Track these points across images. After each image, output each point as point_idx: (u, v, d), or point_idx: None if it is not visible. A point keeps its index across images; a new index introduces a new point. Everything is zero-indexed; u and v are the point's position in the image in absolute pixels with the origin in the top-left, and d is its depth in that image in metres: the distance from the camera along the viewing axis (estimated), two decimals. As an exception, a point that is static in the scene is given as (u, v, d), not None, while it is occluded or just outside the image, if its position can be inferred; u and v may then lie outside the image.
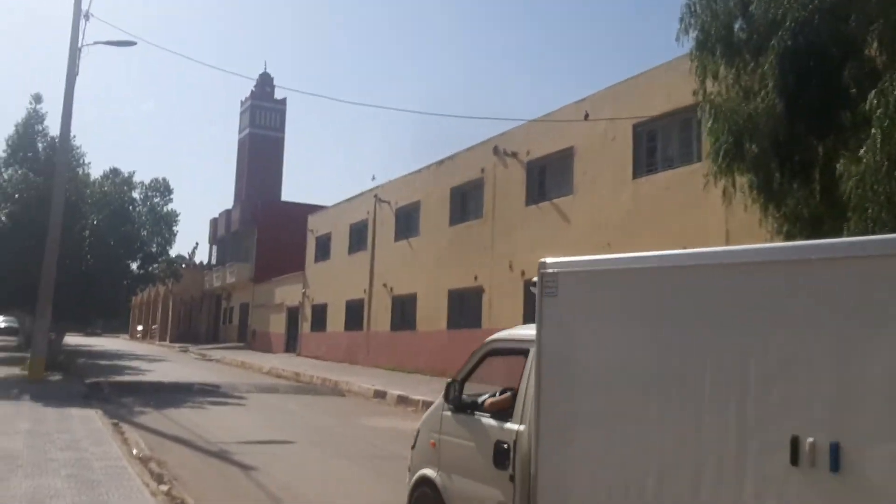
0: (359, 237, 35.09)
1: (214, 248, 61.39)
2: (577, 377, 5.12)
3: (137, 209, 22.10)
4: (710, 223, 16.37)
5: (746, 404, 3.93)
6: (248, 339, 50.01)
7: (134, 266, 21.65)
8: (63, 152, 18.84)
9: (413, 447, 6.65)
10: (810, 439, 3.63)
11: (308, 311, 39.82)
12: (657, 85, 18.38)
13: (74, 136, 20.33)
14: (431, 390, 20.33)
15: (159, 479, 8.30)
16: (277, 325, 45.08)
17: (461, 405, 6.22)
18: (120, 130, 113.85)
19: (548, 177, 22.50)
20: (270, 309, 46.34)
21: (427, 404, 18.20)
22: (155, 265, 21.85)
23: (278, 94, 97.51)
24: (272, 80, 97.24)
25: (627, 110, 19.08)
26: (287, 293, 43.66)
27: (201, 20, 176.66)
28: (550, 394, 5.17)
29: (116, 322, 67.61)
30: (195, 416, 15.09)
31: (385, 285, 31.07)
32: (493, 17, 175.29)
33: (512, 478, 5.37)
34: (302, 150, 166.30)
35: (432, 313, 27.35)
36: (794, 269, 3.98)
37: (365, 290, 32.97)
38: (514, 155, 23.41)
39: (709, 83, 11.48)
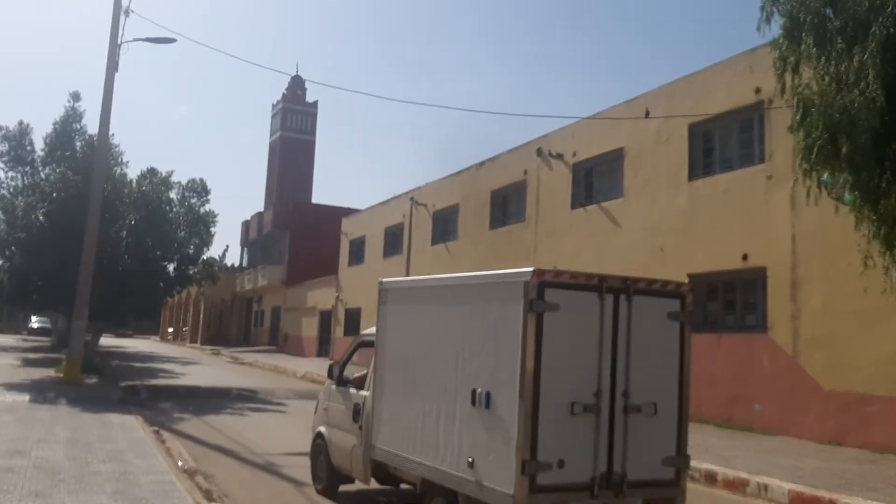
0: (394, 241, 34.52)
1: (246, 250, 61.26)
2: (390, 358, 7.74)
3: (175, 210, 21.71)
4: (774, 226, 15.54)
5: (457, 372, 6.61)
6: (280, 342, 49.70)
7: (171, 267, 21.28)
8: (101, 150, 18.44)
9: (315, 412, 9.69)
10: (479, 390, 6.26)
11: (341, 315, 39.32)
12: (715, 83, 17.57)
13: (113, 135, 20.01)
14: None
15: (209, 496, 7.71)
16: (310, 328, 44.67)
17: (340, 381, 9.08)
18: (152, 133, 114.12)
19: (595, 179, 21.72)
20: (302, 312, 45.94)
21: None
22: (192, 267, 21.45)
23: (311, 96, 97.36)
24: (304, 82, 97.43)
25: (682, 110, 18.27)
26: (320, 297, 43.23)
27: (232, 22, 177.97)
28: (380, 370, 7.81)
29: (147, 323, 67.73)
30: (236, 423, 14.56)
31: (422, 290, 30.43)
32: (533, 21, 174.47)
33: (360, 427, 8.08)
34: (332, 153, 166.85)
35: (471, 319, 26.65)
36: (465, 291, 6.92)
37: (400, 295, 32.35)
38: (560, 157, 22.66)
39: (788, 76, 10.63)
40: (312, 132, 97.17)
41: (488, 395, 6.17)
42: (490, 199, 26.45)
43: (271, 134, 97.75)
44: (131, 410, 14.47)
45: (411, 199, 32.18)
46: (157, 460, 8.88)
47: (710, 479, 10.58)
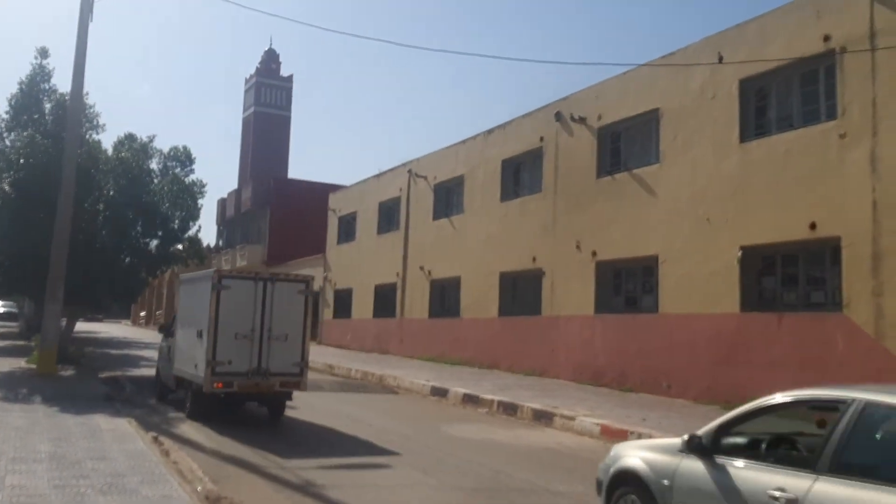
0: (389, 216, 32.38)
1: (223, 230, 58.63)
2: (180, 318, 14.12)
3: (157, 180, 19.31)
4: (850, 191, 13.74)
5: (195, 322, 12.83)
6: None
7: (154, 244, 18.89)
8: (75, 111, 16.04)
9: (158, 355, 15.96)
10: (200, 329, 12.40)
11: (330, 297, 37.18)
12: (772, 32, 15.68)
13: (87, 94, 17.57)
14: (497, 387, 17.78)
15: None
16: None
17: (166, 333, 15.39)
18: (116, 115, 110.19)
19: (624, 144, 19.79)
20: (286, 293, 43.63)
21: (502, 406, 15.68)
22: (178, 243, 19.11)
23: (286, 70, 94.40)
24: (278, 56, 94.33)
25: (732, 63, 16.38)
26: (305, 277, 40.97)
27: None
28: (177, 325, 14.12)
29: (117, 306, 64.83)
30: (243, 422, 12.49)
31: (422, 268, 28.40)
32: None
33: (170, 358, 14.17)
34: (309, 128, 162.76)
35: (480, 299, 24.72)
36: (198, 279, 13.54)
37: (398, 274, 30.31)
38: (583, 120, 20.68)
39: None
40: (288, 107, 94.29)
41: (201, 331, 12.22)
42: (501, 168, 24.42)
43: (244, 109, 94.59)
44: (119, 410, 12.35)
45: (409, 170, 30.04)
46: (170, 487, 6.81)
47: None
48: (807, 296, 14.92)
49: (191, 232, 19.07)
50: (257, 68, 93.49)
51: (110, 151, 19.19)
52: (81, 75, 15.90)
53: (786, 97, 15.75)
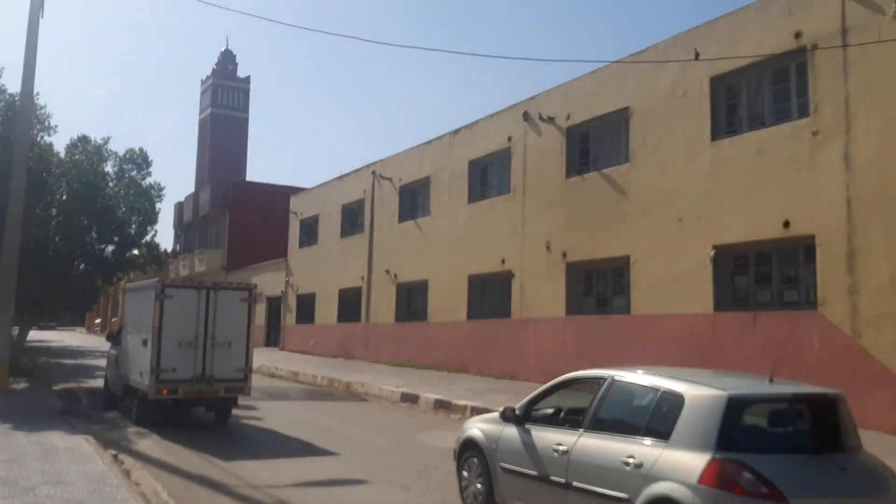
0: (353, 219, 31.83)
1: (181, 235, 57.36)
2: (127, 326, 14.55)
3: (111, 185, 18.47)
4: (824, 188, 13.67)
5: (140, 330, 13.21)
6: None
7: (110, 250, 18.04)
8: (25, 111, 15.21)
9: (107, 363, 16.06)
10: (145, 337, 12.73)
11: (292, 301, 36.46)
12: (742, 30, 15.57)
13: (38, 94, 16.76)
14: (470, 391, 17.40)
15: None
16: (256, 317, 41.53)
17: (114, 341, 15.41)
18: (67, 120, 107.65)
19: (593, 144, 19.58)
20: (247, 299, 42.74)
21: (476, 411, 15.28)
22: (134, 249, 18.27)
23: (243, 71, 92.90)
24: (234, 57, 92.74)
25: (701, 61, 16.25)
26: (267, 281, 40.17)
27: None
28: (123, 333, 14.68)
29: (70, 314, 63.06)
30: (209, 436, 11.94)
31: (388, 272, 27.93)
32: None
33: (118, 366, 14.42)
34: (267, 131, 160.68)
35: (448, 302, 24.34)
36: (142, 288, 13.97)
37: (363, 278, 29.78)
38: (551, 120, 20.43)
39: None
40: (245, 109, 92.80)
41: (146, 340, 12.55)
42: (468, 169, 24.08)
43: (201, 111, 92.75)
44: (75, 426, 11.69)
45: (373, 172, 29.55)
46: (134, 513, 6.29)
47: None
48: (780, 295, 14.82)
49: (148, 237, 18.31)
50: (213, 69, 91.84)
51: (63, 154, 18.33)
52: (32, 74, 15.12)
53: (757, 95, 15.65)
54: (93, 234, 17.70)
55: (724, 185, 15.57)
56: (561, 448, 6.25)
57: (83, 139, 18.23)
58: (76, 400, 15.93)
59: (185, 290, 12.65)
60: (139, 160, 18.81)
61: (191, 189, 74.20)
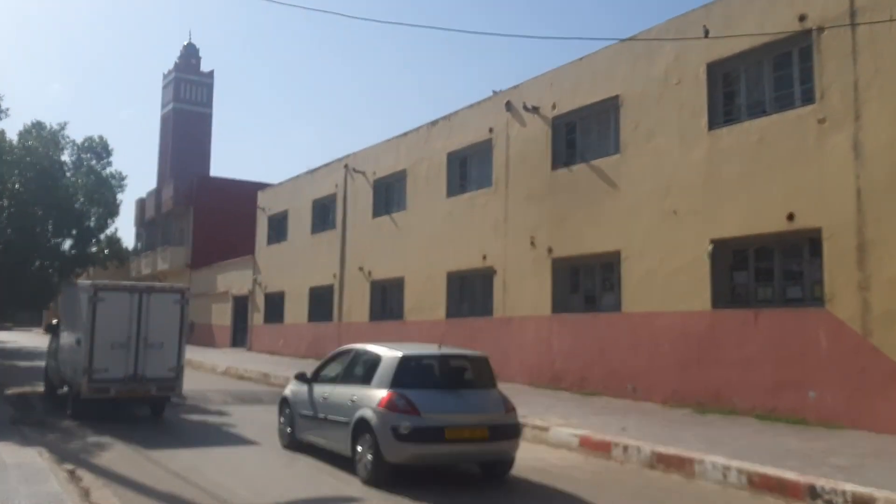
0: (324, 214, 30.71)
1: (143, 232, 55.56)
2: (63, 322, 15.45)
3: (69, 175, 17.10)
4: (831, 179, 13.00)
5: (75, 329, 14.07)
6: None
7: (67, 244, 16.64)
8: (-28, 94, 13.90)
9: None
10: (78, 337, 13.40)
11: (260, 301, 35.20)
12: (738, 14, 14.88)
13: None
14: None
15: None
16: (221, 316, 40.23)
17: (53, 333, 16.23)
18: (22, 116, 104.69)
19: (580, 134, 18.79)
20: (212, 298, 41.38)
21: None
22: (94, 244, 16.88)
23: (206, 66, 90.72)
24: (198, 51, 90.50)
25: (698, 46, 15.54)
26: (233, 280, 38.88)
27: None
28: (61, 328, 15.46)
29: (25, 313, 60.79)
30: (178, 446, 10.85)
31: (361, 269, 26.90)
32: None
33: (55, 358, 15.64)
34: (232, 126, 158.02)
35: (426, 300, 23.41)
36: (79, 289, 14.53)
37: (335, 275, 28.71)
38: (535, 110, 19.60)
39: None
40: (209, 104, 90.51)
41: (79, 339, 13.22)
42: (446, 162, 23.16)
43: (163, 106, 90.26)
44: (28, 437, 10.57)
45: (346, 165, 28.48)
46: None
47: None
48: (783, 291, 14.13)
49: (109, 230, 16.99)
50: (176, 63, 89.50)
51: (15, 141, 16.90)
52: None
53: (757, 82, 14.95)
54: (48, 227, 16.37)
55: (723, 177, 14.85)
56: (324, 396, 9.95)
57: (37, 125, 16.78)
58: (30, 406, 14.73)
59: (118, 292, 13.19)
60: (99, 149, 17.48)
61: (152, 186, 72.22)
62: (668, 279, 15.67)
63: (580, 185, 18.11)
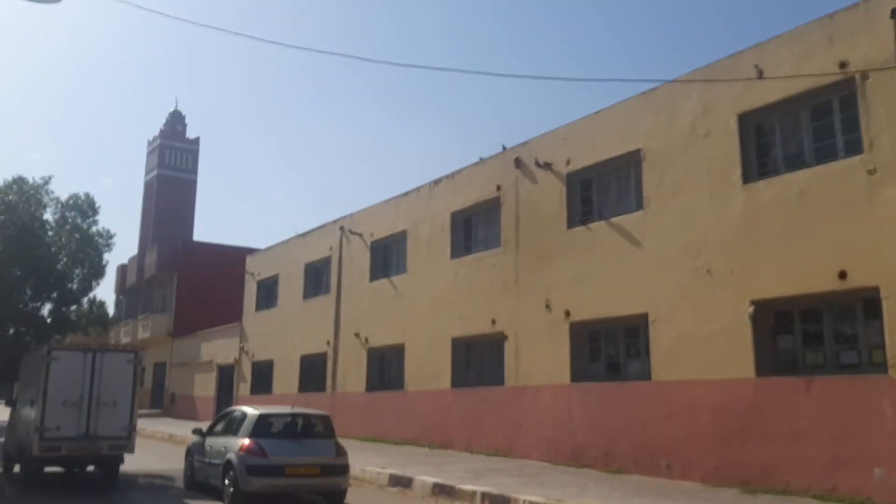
0: (317, 279, 29.37)
1: (123, 300, 53.69)
2: (22, 388, 15.75)
3: (51, 234, 15.67)
4: (886, 234, 11.95)
5: (28, 393, 14.59)
6: (166, 404, 42.86)
7: (46, 309, 15.09)
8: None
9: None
10: (31, 398, 14.05)
11: (247, 370, 33.47)
12: (771, 63, 14.06)
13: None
14: (468, 472, 14.98)
15: None
16: (205, 387, 38.31)
17: (12, 404, 16.29)
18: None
19: (597, 191, 17.78)
20: (195, 368, 39.54)
21: (489, 499, 12.88)
22: (75, 308, 15.34)
23: (192, 132, 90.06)
24: (184, 118, 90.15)
25: (727, 97, 14.70)
26: (218, 349, 37.14)
27: (99, 51, 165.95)
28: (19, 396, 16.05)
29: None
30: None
31: (358, 335, 25.46)
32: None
33: (13, 430, 15.77)
34: (218, 193, 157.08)
35: (428, 368, 21.96)
36: (32, 356, 15.58)
37: (328, 343, 27.21)
38: (548, 166, 18.63)
39: None
40: (194, 170, 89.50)
41: (32, 400, 13.70)
42: (450, 222, 22.05)
43: (147, 173, 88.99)
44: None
45: (341, 228, 27.32)
46: None
47: None
48: (836, 356, 12.93)
49: (93, 292, 15.47)
50: (161, 130, 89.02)
51: (-1, 190, 15.49)
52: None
53: (793, 132, 14.04)
54: (27, 290, 14.85)
55: (762, 233, 13.78)
56: (210, 445, 12.90)
57: (19, 180, 15.43)
58: (-3, 491, 13.06)
59: (72, 352, 13.59)
60: (84, 206, 16.16)
61: (133, 254, 70.48)
62: (703, 344, 14.43)
63: (600, 244, 17.01)
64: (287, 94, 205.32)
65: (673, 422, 14.77)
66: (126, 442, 13.65)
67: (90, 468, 14.38)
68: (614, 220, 16.82)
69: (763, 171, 14.27)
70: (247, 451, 11.59)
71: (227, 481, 11.80)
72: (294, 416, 12.80)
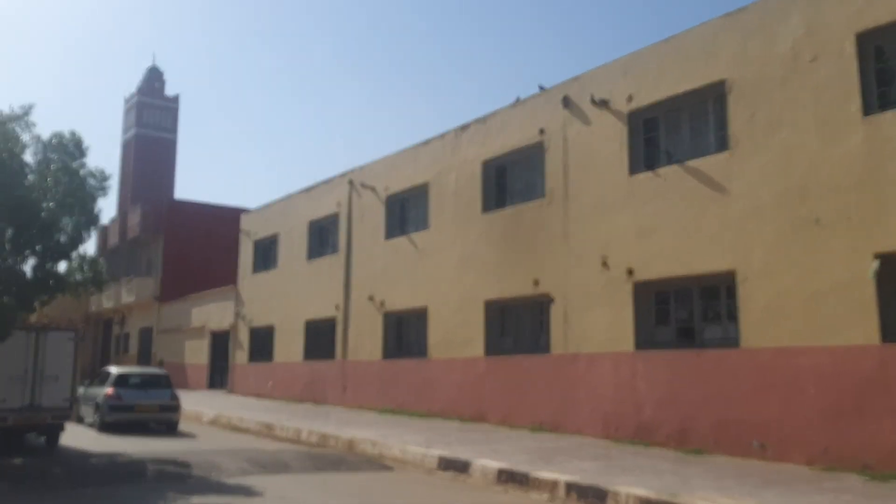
0: (323, 237, 26.95)
1: (104, 262, 50.76)
2: None
3: (31, 177, 13.21)
4: None
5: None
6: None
7: (29, 264, 12.70)
8: None
9: None
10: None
11: (244, 336, 31.07)
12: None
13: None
14: (528, 453, 12.85)
15: None
16: (196, 354, 35.93)
17: None
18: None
19: (665, 131, 15.52)
20: (185, 334, 37.13)
21: (576, 490, 10.79)
22: (66, 262, 12.97)
23: (171, 90, 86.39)
24: (162, 74, 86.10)
25: (839, 15, 12.44)
26: (211, 313, 34.71)
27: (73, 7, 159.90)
28: None
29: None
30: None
31: (372, 298, 23.17)
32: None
33: None
34: (200, 153, 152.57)
35: (456, 334, 19.76)
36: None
37: (337, 307, 24.90)
38: (605, 104, 16.32)
39: None
40: (174, 129, 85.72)
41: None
42: (481, 172, 19.70)
43: (124, 131, 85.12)
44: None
45: (350, 181, 24.87)
46: None
47: None
48: None
49: (85, 245, 13.15)
50: (139, 87, 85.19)
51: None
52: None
53: (927, 55, 11.84)
54: (5, 243, 12.43)
55: (889, 174, 11.61)
56: (88, 393, 19.09)
57: (-8, 112, 12.95)
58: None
59: (16, 331, 14.16)
60: (70, 146, 13.67)
61: (113, 215, 67.21)
62: (809, 305, 12.31)
63: (671, 192, 14.79)
64: (273, 49, 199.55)
65: (768, 395, 12.71)
66: (68, 412, 15.13)
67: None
68: (690, 163, 14.58)
69: (885, 102, 12.07)
70: (108, 396, 18.14)
71: (97, 415, 18.36)
72: (143, 374, 19.81)
